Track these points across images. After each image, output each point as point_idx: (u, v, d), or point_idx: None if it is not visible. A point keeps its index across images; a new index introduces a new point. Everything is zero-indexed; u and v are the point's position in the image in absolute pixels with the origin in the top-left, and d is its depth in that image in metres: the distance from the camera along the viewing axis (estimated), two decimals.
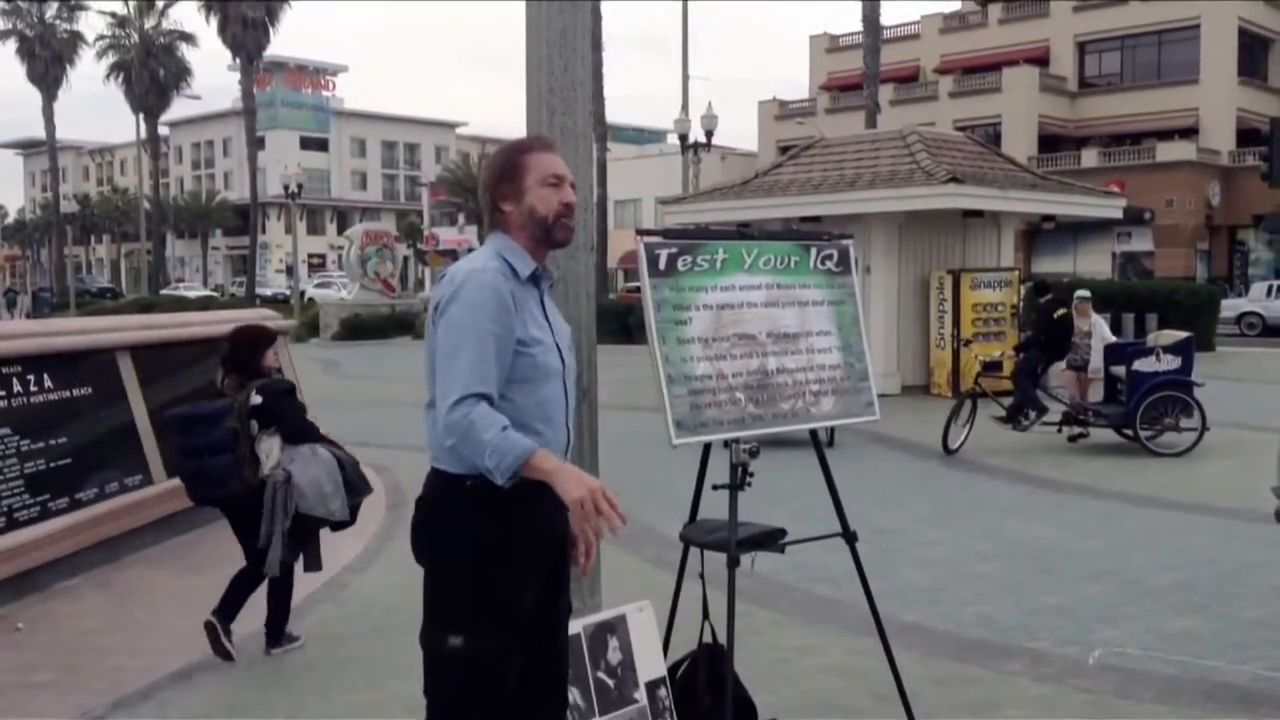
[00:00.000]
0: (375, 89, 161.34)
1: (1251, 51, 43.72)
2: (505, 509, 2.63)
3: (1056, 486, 9.08)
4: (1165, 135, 42.13)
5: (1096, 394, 11.44)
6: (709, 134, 31.87)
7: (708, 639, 3.78)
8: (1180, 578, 6.28)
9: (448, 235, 59.84)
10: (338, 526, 5.10)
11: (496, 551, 2.65)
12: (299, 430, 5.04)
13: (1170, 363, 10.47)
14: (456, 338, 2.58)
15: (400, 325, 29.95)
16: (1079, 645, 5.11)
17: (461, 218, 60.59)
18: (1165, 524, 7.71)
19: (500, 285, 2.63)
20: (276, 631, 5.18)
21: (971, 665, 4.88)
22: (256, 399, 4.90)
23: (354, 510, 5.11)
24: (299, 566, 5.20)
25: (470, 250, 52.20)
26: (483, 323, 2.58)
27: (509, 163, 2.79)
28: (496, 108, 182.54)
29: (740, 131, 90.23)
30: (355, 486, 5.06)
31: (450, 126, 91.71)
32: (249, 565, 5.13)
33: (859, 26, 33.37)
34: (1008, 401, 11.28)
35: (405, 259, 46.72)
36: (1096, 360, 11.35)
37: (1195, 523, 7.72)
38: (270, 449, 4.94)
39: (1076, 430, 11.04)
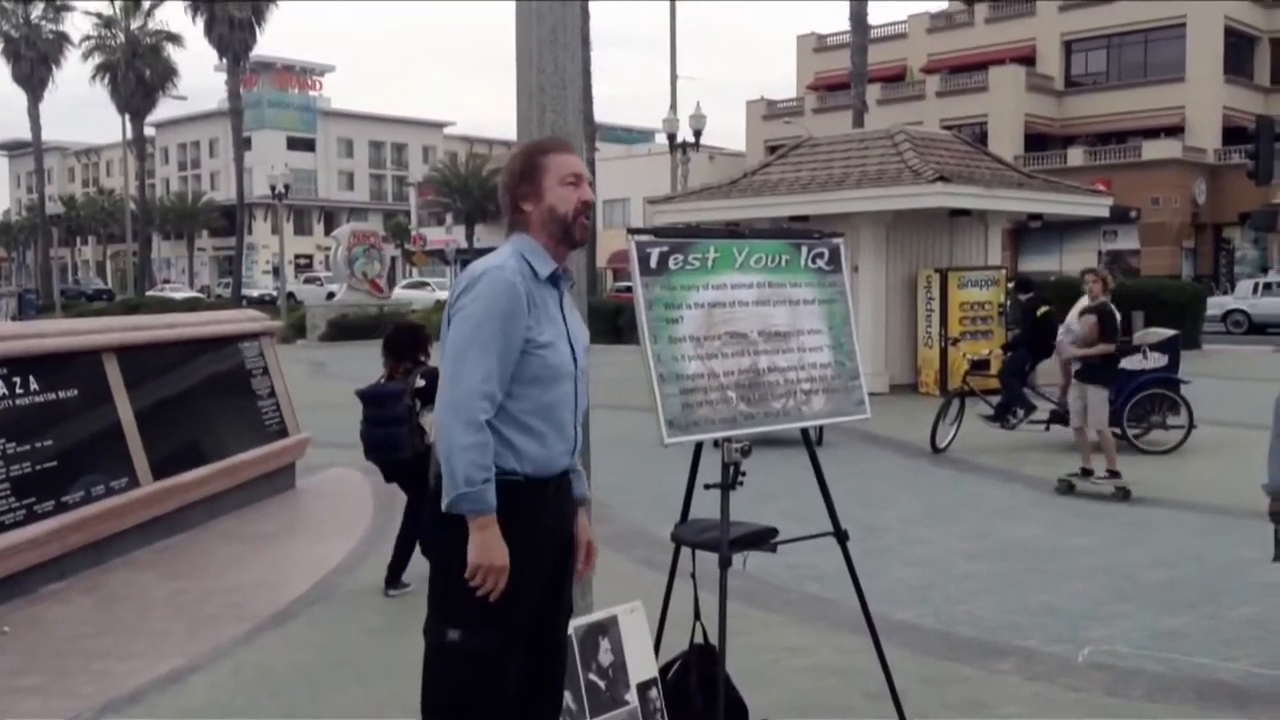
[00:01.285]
0: (362, 89, 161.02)
1: (1238, 50, 43.87)
2: (512, 507, 2.66)
3: (1044, 485, 9.09)
4: (1151, 134, 42.27)
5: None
6: (697, 134, 31.91)
7: (699, 639, 3.77)
8: (1169, 576, 6.30)
9: (435, 235, 59.69)
10: None
11: None
12: None
13: (1157, 361, 10.50)
14: (467, 335, 2.64)
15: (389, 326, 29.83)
16: (1068, 643, 5.12)
17: (449, 218, 60.43)
18: (1153, 522, 7.74)
19: (516, 284, 2.67)
20: (394, 577, 6.03)
21: (962, 664, 4.89)
22: (420, 382, 5.85)
23: None
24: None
25: (457, 251, 51.94)
26: (494, 321, 2.63)
27: (529, 164, 2.85)
28: (485, 107, 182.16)
29: (728, 131, 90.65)
30: None
31: (438, 126, 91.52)
32: (405, 526, 6.03)
33: (846, 26, 33.42)
34: (995, 400, 11.30)
35: (393, 259, 46.62)
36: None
37: (1183, 520, 7.74)
38: (432, 423, 5.66)
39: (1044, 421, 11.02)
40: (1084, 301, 11.40)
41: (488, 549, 2.60)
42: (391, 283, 38.35)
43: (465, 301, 2.68)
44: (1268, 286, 29.42)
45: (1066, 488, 8.85)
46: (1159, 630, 5.32)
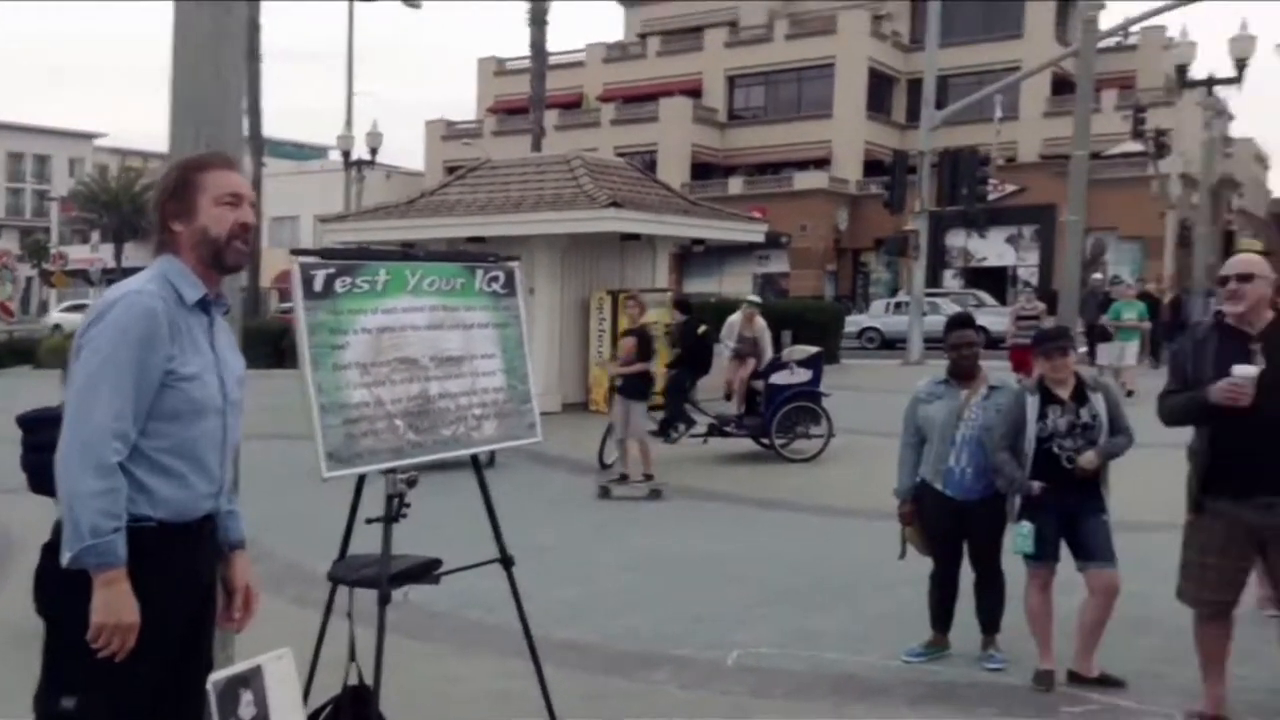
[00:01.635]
0: (3, 96, 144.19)
1: (878, 89, 48.21)
2: (143, 556, 2.44)
3: (701, 495, 9.60)
4: (802, 165, 45.79)
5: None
6: (373, 151, 31.26)
7: (353, 680, 3.67)
8: (810, 577, 6.81)
9: (78, 254, 54.59)
10: None
11: None
12: None
13: (802, 375, 11.41)
14: (97, 367, 2.42)
15: (18, 354, 26.92)
16: (719, 649, 5.40)
17: (96, 235, 55.50)
18: (797, 526, 8.35)
19: (155, 310, 2.47)
20: None
21: (619, 678, 5.06)
22: None
23: None
24: None
25: (103, 271, 47.81)
26: (128, 351, 2.42)
27: (182, 180, 2.64)
28: (142, 119, 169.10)
29: (406, 150, 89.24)
30: None
31: (88, 138, 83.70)
32: None
33: (527, 52, 33.87)
34: (660, 416, 11.80)
35: (29, 280, 42.22)
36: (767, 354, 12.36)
37: (823, 524, 8.41)
38: None
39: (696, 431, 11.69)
40: (732, 323, 12.23)
41: (115, 607, 2.38)
42: (26, 306, 34.71)
43: (96, 331, 2.46)
44: (898, 306, 32.48)
45: (604, 493, 9.68)
46: (801, 630, 5.73)
